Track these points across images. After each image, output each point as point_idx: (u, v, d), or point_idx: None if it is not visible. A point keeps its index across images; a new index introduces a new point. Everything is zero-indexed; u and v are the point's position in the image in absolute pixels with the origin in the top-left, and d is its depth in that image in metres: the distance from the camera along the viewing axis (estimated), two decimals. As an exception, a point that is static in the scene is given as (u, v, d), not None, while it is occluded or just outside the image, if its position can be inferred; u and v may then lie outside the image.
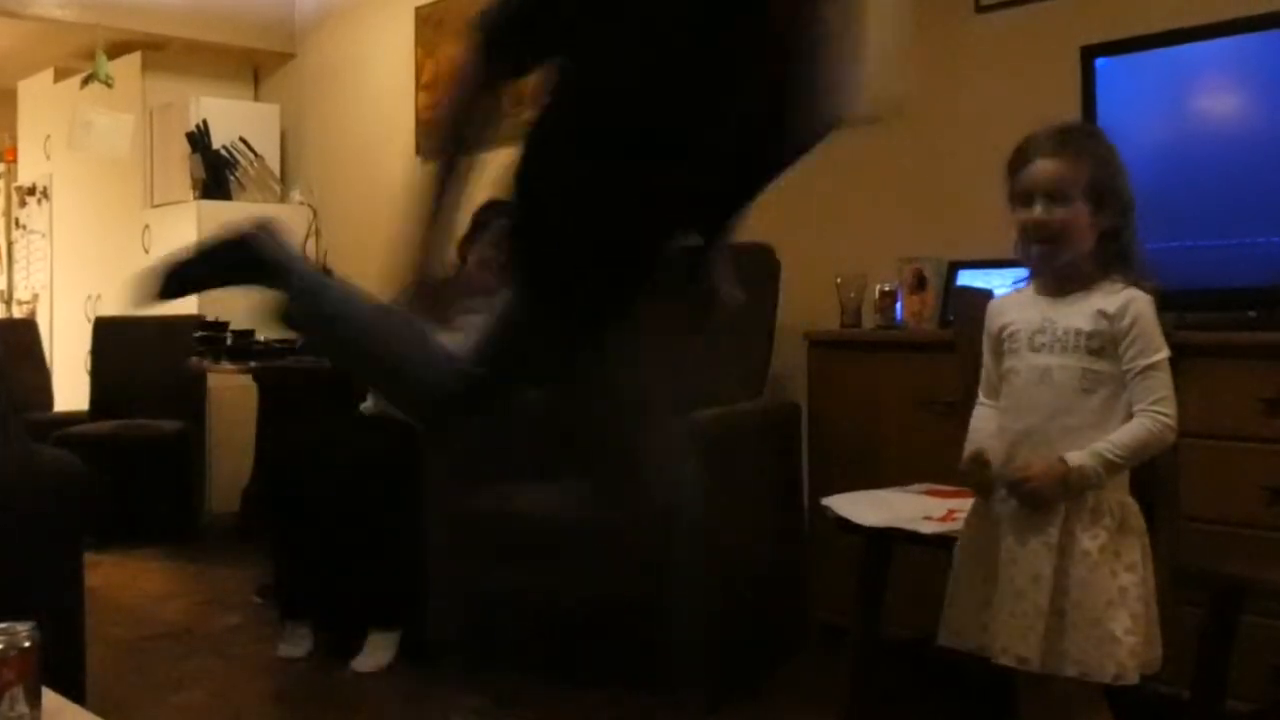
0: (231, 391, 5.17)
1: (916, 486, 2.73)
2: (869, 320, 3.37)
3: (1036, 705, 2.06)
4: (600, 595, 2.95)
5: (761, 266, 3.40)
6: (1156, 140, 2.81)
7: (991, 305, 2.17)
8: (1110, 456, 1.93)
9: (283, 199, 5.88)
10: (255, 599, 3.89)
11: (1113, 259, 2.00)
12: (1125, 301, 1.96)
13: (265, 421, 4.76)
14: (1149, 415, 1.93)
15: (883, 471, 2.95)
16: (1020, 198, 2.03)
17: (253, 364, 4.49)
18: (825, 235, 3.68)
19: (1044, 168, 2.00)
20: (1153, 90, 2.85)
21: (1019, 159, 2.04)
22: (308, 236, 5.73)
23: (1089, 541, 1.94)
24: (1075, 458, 1.93)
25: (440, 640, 3.17)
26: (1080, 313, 2.00)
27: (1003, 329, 2.10)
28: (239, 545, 4.67)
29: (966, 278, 3.17)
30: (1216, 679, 2.28)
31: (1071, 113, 2.90)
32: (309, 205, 5.78)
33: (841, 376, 3.28)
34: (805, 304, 3.50)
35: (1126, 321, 1.95)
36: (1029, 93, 3.23)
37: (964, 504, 2.47)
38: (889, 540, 2.51)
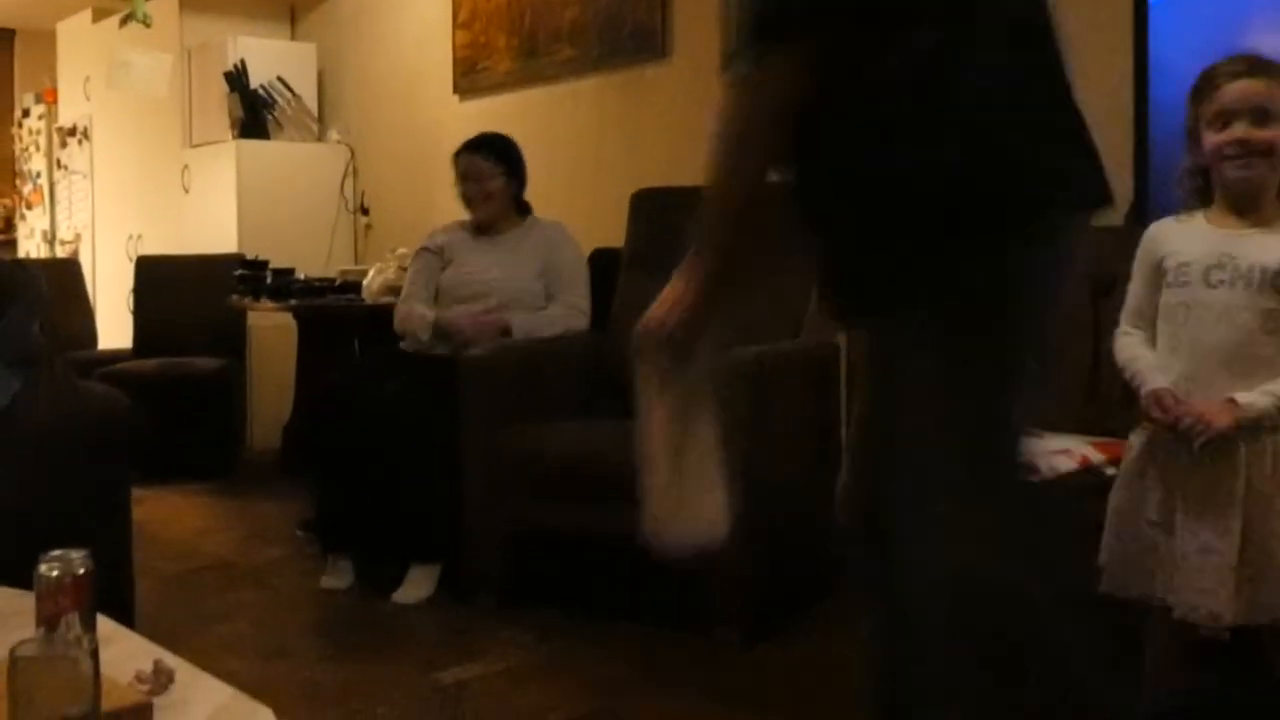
0: (272, 329, 5.22)
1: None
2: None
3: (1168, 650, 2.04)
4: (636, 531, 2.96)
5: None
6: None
7: (1150, 231, 2.10)
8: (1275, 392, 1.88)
9: (320, 138, 5.88)
10: (297, 533, 3.94)
11: None
12: None
13: (305, 358, 4.79)
14: None
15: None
16: (1215, 120, 1.96)
17: (292, 301, 4.52)
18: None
19: (1247, 86, 1.93)
20: (1207, 27, 2.79)
21: (1207, 84, 1.98)
22: (345, 176, 5.74)
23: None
24: (1244, 397, 1.89)
25: (479, 574, 3.20)
26: (1267, 249, 1.93)
27: (1165, 259, 2.03)
28: (280, 480, 4.73)
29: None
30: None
31: (1124, 49, 2.85)
32: (346, 144, 5.78)
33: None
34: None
35: None
36: (1080, 30, 3.17)
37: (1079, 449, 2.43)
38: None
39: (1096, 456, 2.33)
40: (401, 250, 4.34)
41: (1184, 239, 2.03)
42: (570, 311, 3.57)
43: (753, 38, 1.41)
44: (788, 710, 2.53)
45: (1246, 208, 1.98)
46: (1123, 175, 2.83)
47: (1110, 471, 2.27)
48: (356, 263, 5.42)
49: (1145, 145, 2.79)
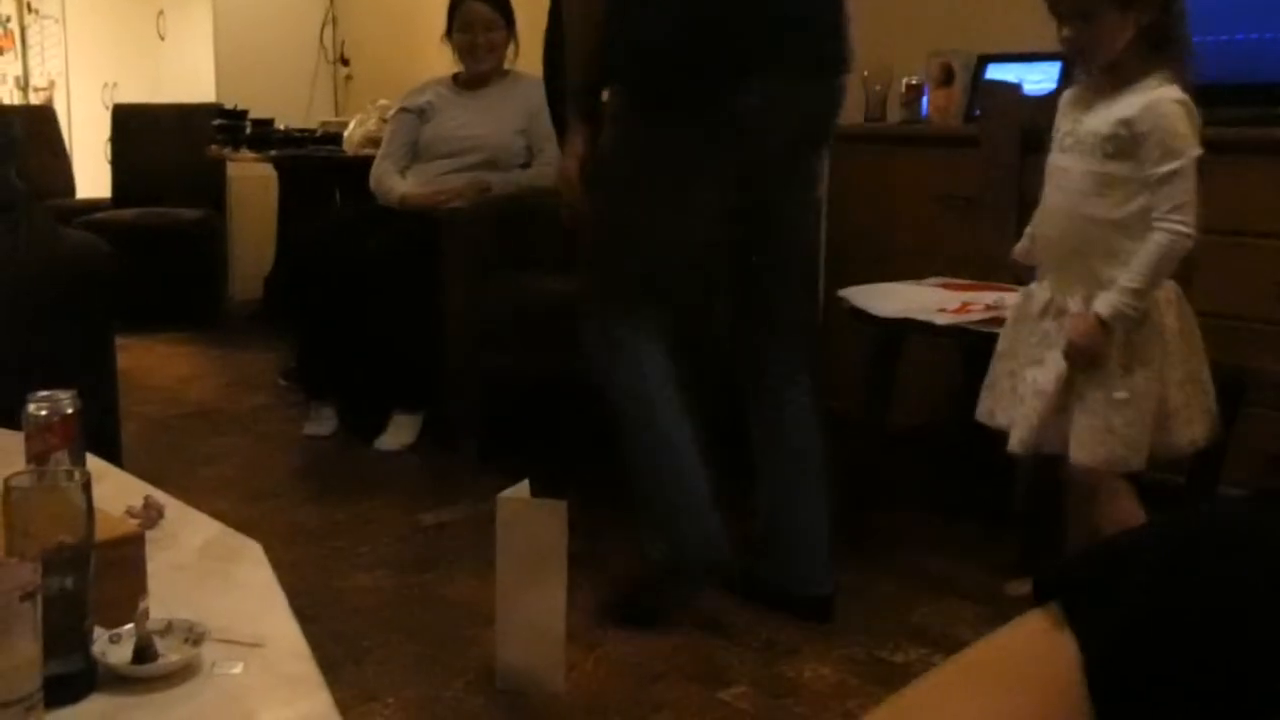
0: (252, 180, 5.18)
1: (932, 280, 2.76)
2: (894, 114, 3.33)
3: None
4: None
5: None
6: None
7: (1061, 98, 2.17)
8: (1133, 285, 1.93)
9: (299, -15, 5.74)
10: (280, 381, 3.99)
11: (1154, 53, 1.95)
12: (1146, 105, 1.93)
13: (286, 209, 4.78)
14: (1161, 228, 1.91)
15: (900, 265, 2.98)
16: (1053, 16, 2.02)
17: (272, 152, 4.48)
18: (853, 25, 3.60)
19: None
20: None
21: None
22: (324, 25, 5.63)
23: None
24: (1103, 305, 1.94)
25: (460, 422, 3.26)
26: (1104, 117, 1.98)
27: (1054, 125, 2.10)
28: (263, 330, 4.76)
29: (996, 71, 3.12)
30: (1213, 468, 2.34)
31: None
32: (325, -9, 5.66)
33: (863, 170, 3.27)
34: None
35: (1146, 127, 1.92)
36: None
37: (978, 297, 2.51)
38: (901, 331, 2.55)
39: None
40: (383, 102, 4.29)
41: (1066, 106, 2.10)
42: (551, 168, 3.55)
43: None
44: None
45: (1104, 76, 2.03)
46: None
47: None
48: (337, 114, 5.36)
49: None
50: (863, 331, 2.61)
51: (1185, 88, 1.94)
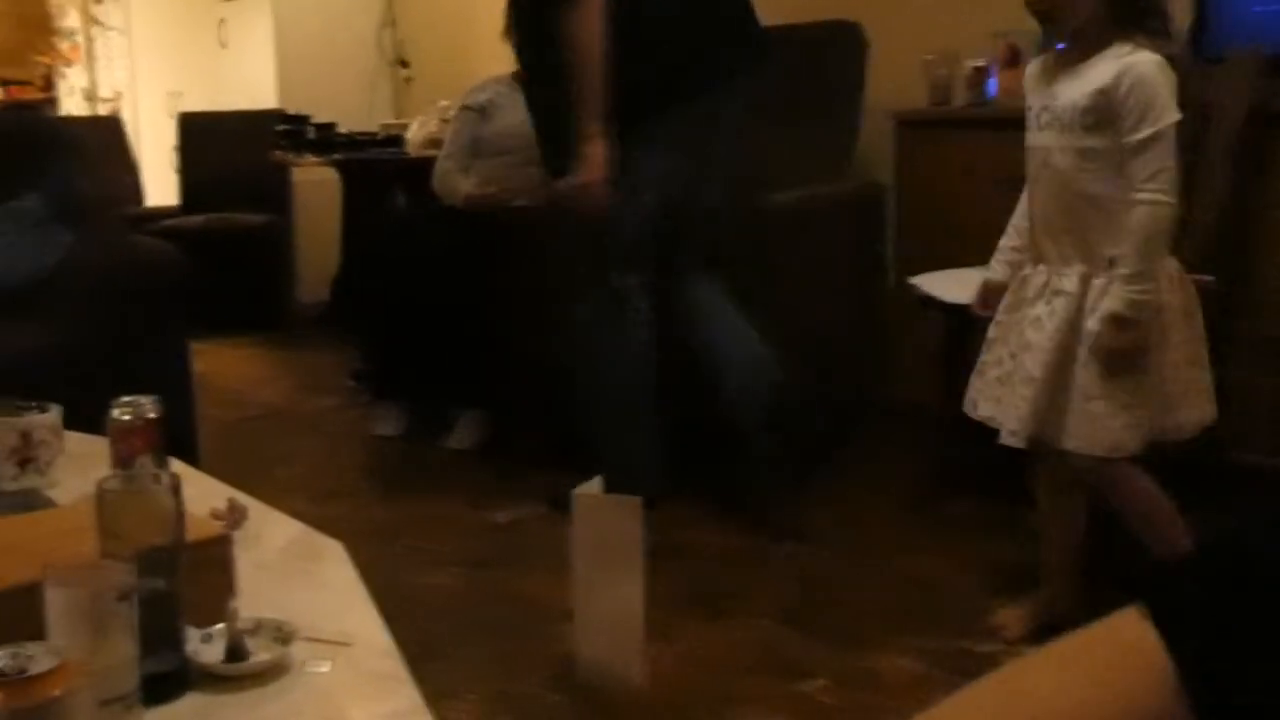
0: (316, 183, 5.22)
1: (1004, 265, 2.71)
2: (959, 98, 3.29)
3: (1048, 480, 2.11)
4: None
5: (849, 44, 3.31)
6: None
7: (1025, 73, 2.10)
8: (1130, 270, 1.86)
9: (356, -12, 5.78)
10: (349, 382, 4.02)
11: (1127, 17, 1.88)
12: (1120, 71, 1.85)
13: (350, 212, 4.81)
14: (1141, 200, 1.85)
15: (969, 250, 2.93)
16: None
17: (335, 156, 4.52)
18: (915, 10, 3.56)
19: None
20: None
21: None
22: (383, 27, 5.67)
23: (1092, 323, 1.91)
24: (1114, 301, 1.87)
25: (529, 419, 3.26)
26: (1079, 87, 1.90)
27: (1026, 103, 2.04)
28: (330, 333, 4.80)
29: (1062, 51, 3.07)
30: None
31: None
32: (384, -6, 5.70)
33: (930, 156, 3.23)
34: (894, 82, 3.42)
35: (1122, 92, 1.85)
36: None
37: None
38: (973, 317, 2.51)
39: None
40: (444, 102, 4.31)
41: (1034, 81, 2.04)
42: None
43: None
44: (833, 545, 2.59)
45: (1071, 45, 1.96)
46: (1181, 3, 2.75)
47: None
48: (397, 116, 5.39)
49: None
50: (932, 320, 2.58)
51: (1162, 55, 1.87)
